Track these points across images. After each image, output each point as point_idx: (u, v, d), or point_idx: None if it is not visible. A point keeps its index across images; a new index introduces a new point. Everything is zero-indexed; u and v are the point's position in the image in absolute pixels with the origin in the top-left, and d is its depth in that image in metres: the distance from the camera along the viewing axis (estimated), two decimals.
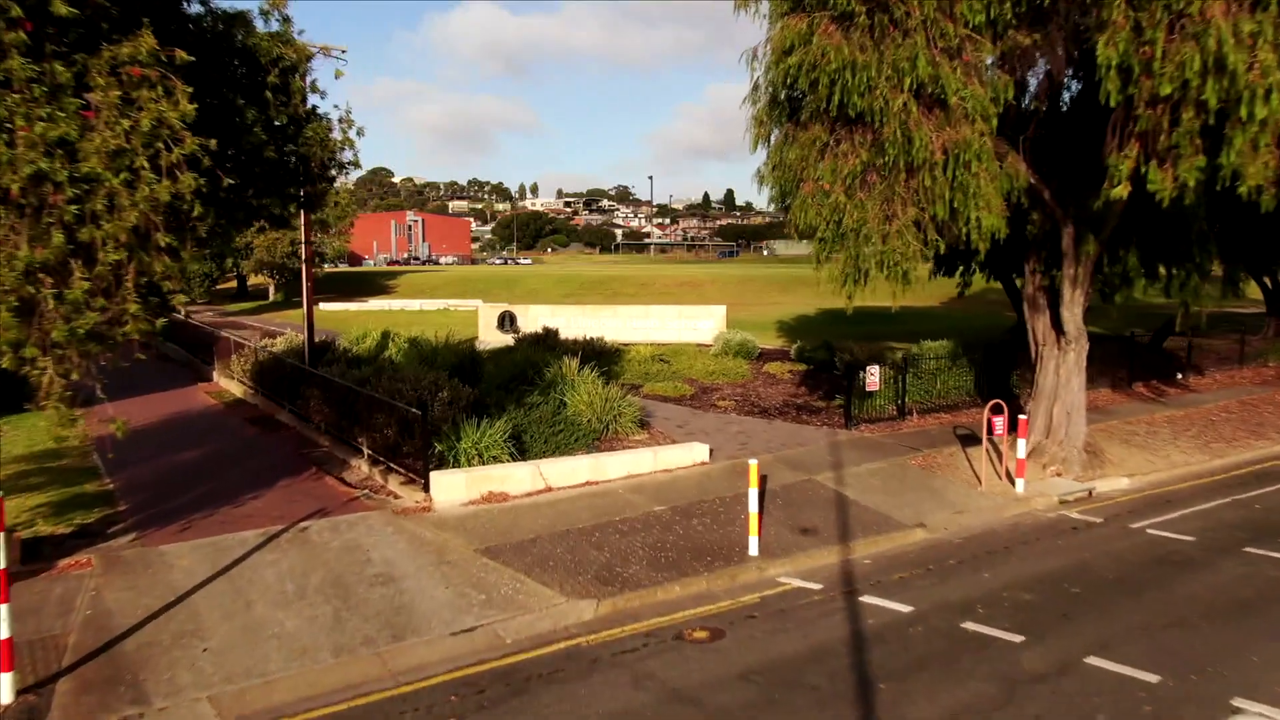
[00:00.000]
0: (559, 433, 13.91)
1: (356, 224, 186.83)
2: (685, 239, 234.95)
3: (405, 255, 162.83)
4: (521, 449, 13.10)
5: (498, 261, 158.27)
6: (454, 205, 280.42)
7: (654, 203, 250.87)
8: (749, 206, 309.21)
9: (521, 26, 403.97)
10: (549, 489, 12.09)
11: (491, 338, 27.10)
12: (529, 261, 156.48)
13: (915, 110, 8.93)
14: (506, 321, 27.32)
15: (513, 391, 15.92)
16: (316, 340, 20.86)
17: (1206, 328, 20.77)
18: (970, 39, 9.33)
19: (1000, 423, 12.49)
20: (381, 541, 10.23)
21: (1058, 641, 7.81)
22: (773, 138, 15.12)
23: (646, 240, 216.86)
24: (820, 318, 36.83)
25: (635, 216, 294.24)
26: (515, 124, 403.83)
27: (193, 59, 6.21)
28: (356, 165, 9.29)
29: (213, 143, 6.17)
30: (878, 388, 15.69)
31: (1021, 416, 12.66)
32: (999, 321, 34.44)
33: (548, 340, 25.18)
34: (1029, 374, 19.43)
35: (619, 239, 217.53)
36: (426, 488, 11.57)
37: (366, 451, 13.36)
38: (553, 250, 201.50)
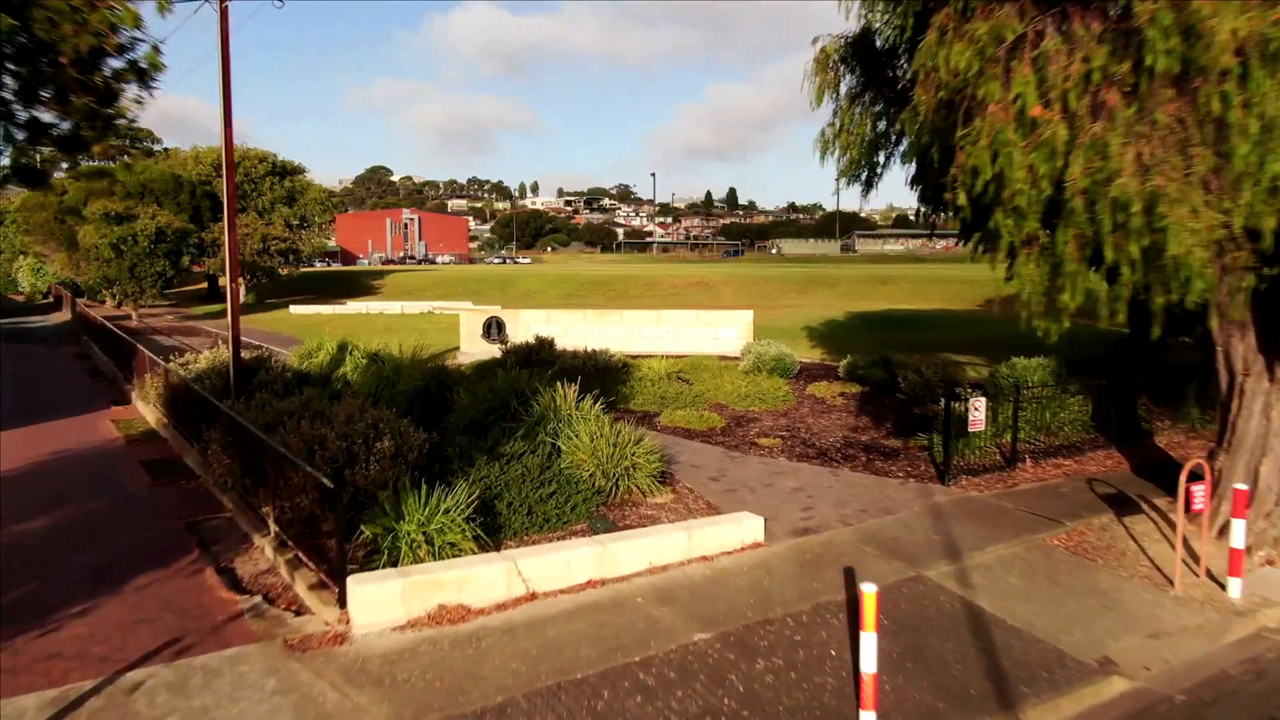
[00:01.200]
0: (550, 497, 9.97)
1: (351, 222, 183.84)
2: (688, 238, 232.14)
3: (401, 254, 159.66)
4: (494, 525, 9.14)
5: (496, 261, 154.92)
6: (453, 204, 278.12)
7: (656, 201, 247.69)
8: (752, 205, 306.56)
9: (521, 27, 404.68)
10: (531, 596, 8.13)
11: (476, 348, 23.13)
12: (528, 261, 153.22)
13: None
14: (493, 329, 23.34)
15: (489, 432, 11.95)
16: (251, 356, 16.87)
17: None
18: None
19: (1200, 494, 8.49)
20: (251, 712, 6.24)
21: None
22: (843, 87, 11.15)
23: (649, 239, 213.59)
24: (851, 323, 32.83)
25: (637, 215, 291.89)
26: (515, 124, 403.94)
27: None
28: (157, 68, 5.31)
29: None
30: (982, 426, 11.67)
31: (1239, 487, 8.61)
32: (1070, 331, 29.78)
33: (541, 353, 21.18)
34: (1156, 404, 15.43)
35: (620, 238, 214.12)
36: (342, 601, 7.57)
37: (273, 528, 9.38)
38: (552, 249, 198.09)
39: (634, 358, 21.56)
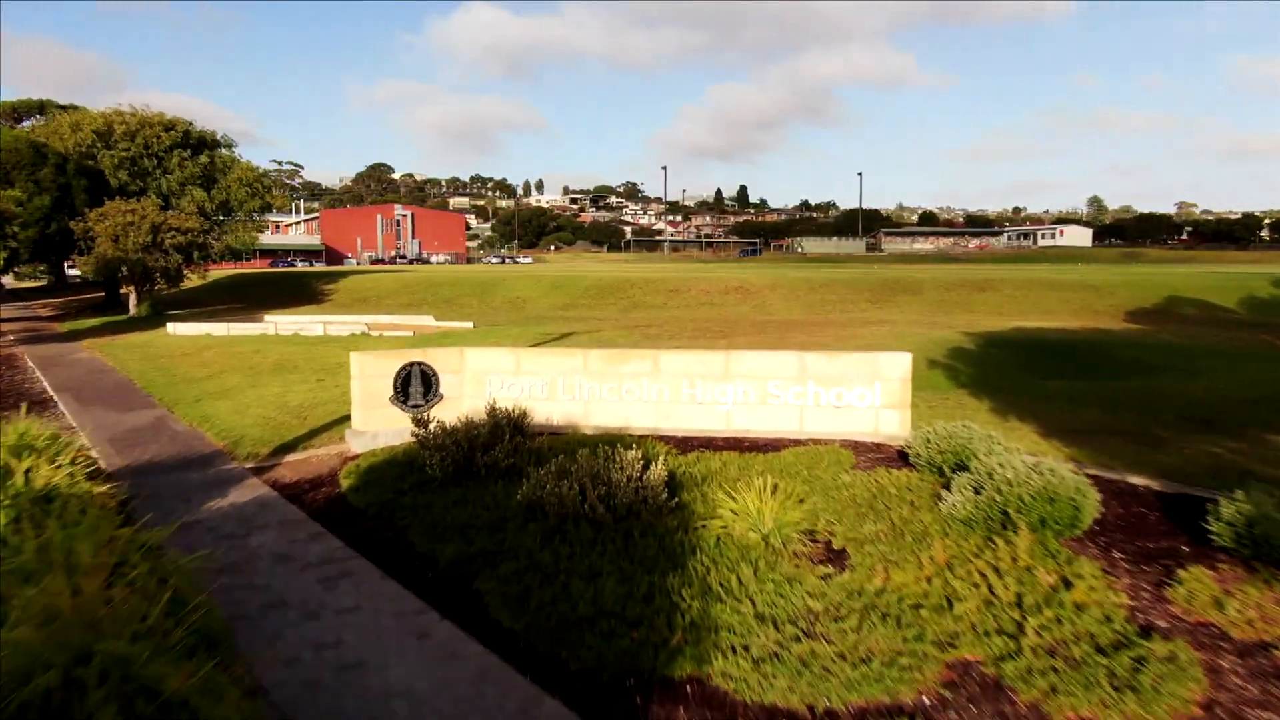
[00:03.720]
0: None
1: (338, 219, 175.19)
2: (699, 236, 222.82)
3: (392, 253, 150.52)
4: None
5: (495, 260, 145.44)
6: (455, 202, 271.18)
7: (666, 198, 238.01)
8: (763, 204, 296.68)
9: (523, 28, 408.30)
10: None
11: (379, 424, 12.39)
12: (529, 260, 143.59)
13: None
14: (412, 388, 12.58)
15: None
16: None
17: None
18: None
19: None
20: None
21: None
22: None
23: (658, 238, 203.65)
24: (991, 354, 21.94)
25: (645, 214, 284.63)
26: (520, 125, 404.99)
27: None
28: None
29: None
30: None
31: None
32: None
33: (495, 448, 10.42)
34: None
35: (629, 236, 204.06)
36: None
37: None
38: (556, 248, 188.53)
39: (684, 449, 10.92)
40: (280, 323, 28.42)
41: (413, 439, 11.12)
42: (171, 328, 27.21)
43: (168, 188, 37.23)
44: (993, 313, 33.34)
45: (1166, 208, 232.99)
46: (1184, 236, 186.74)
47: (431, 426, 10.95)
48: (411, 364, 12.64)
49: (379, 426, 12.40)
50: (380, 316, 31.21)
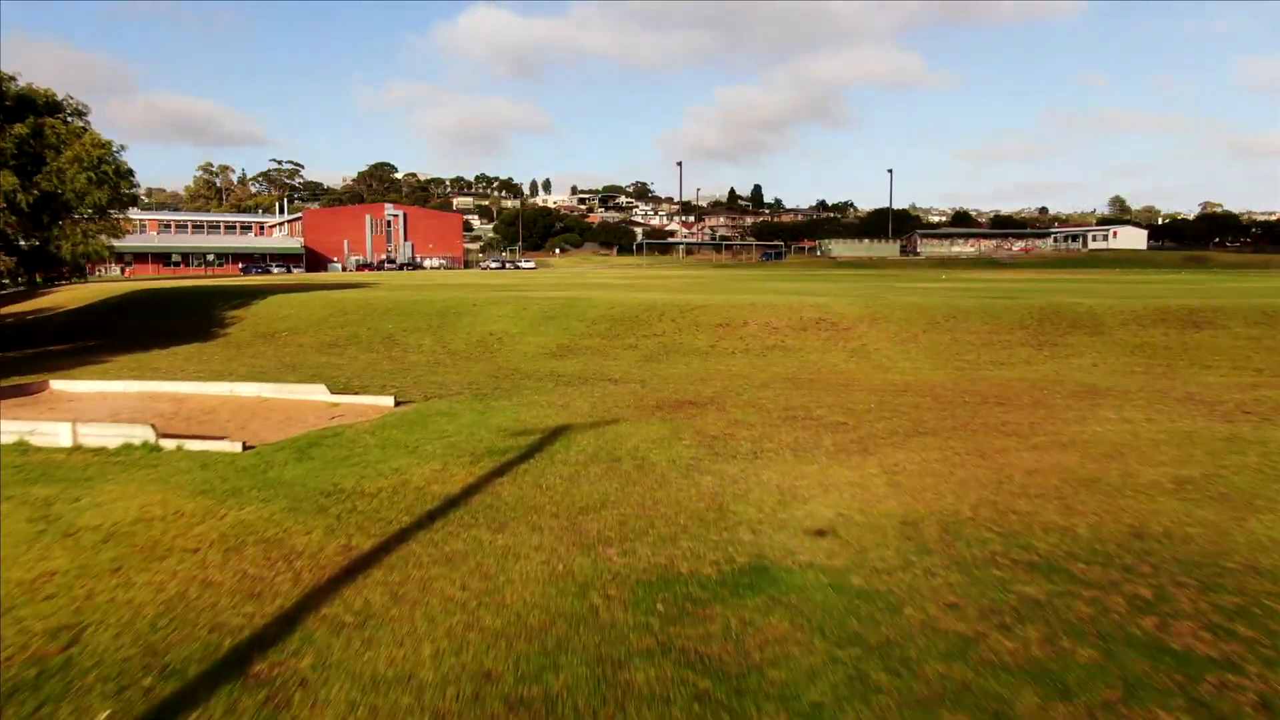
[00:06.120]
0: None
1: (323, 219, 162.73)
2: (714, 237, 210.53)
3: (382, 257, 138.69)
4: None
5: (494, 265, 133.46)
6: (459, 202, 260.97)
7: (680, 197, 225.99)
8: (778, 204, 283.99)
9: (531, 29, 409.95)
10: None
11: None
12: (531, 265, 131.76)
13: None
14: None
15: None
16: None
17: None
18: None
19: None
20: None
21: None
22: None
23: (671, 240, 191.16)
24: None
25: (656, 214, 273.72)
26: (527, 126, 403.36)
27: None
28: None
29: None
30: None
31: None
32: None
33: None
34: None
35: (640, 238, 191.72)
36: None
37: None
38: (562, 250, 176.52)
39: None
40: (58, 393, 16.13)
41: None
42: None
43: None
44: (1244, 368, 20.90)
45: (1181, 207, 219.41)
46: (1248, 238, 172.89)
47: None
48: None
49: None
50: (240, 386, 18.59)
